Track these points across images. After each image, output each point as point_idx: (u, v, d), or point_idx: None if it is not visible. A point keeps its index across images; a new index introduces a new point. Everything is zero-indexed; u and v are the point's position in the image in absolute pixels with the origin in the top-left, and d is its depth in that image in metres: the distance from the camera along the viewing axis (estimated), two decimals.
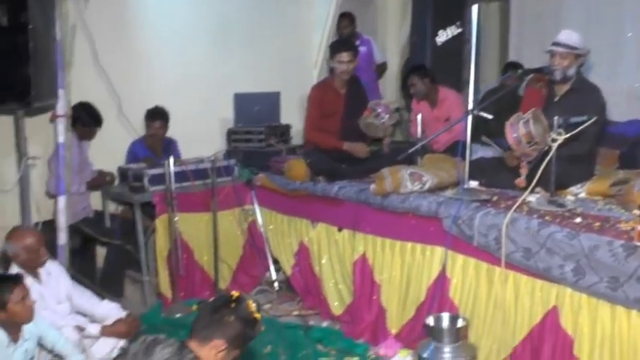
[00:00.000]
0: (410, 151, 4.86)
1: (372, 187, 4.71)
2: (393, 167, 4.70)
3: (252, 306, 2.67)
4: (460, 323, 3.90)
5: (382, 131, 5.44)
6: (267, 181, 5.79)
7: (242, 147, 6.64)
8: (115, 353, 4.34)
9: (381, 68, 8.29)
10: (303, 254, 5.45)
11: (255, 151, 6.54)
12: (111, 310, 4.47)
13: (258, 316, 2.68)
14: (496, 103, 4.70)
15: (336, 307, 5.13)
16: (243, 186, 5.92)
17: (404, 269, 4.53)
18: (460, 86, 7.22)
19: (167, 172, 5.38)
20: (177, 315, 5.41)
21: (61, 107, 5.20)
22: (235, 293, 2.68)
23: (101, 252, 6.17)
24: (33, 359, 3.86)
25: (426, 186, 4.55)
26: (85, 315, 4.43)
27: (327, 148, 5.48)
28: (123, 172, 5.94)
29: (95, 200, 6.12)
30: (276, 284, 5.77)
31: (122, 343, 4.35)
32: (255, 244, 5.92)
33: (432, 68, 6.79)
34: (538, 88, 4.83)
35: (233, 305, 2.62)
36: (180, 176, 5.54)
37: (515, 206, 3.83)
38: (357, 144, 5.46)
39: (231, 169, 6.02)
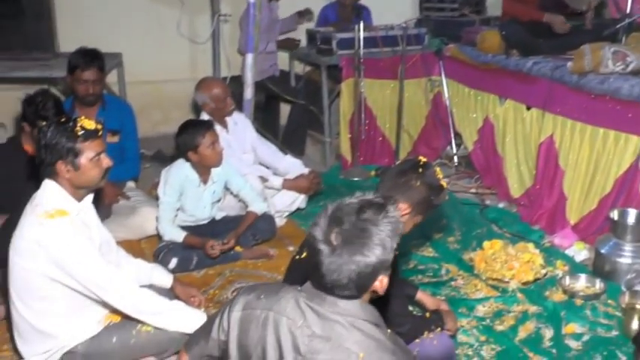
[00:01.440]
0: (616, 26, 4.44)
1: (569, 64, 4.36)
2: (594, 44, 4.31)
3: (440, 173, 2.62)
4: None
5: (586, 3, 4.99)
6: (457, 52, 5.56)
7: (434, 16, 6.39)
8: (295, 207, 4.54)
9: None
10: (486, 131, 5.27)
11: (447, 21, 6.27)
12: (293, 166, 4.63)
13: (444, 183, 2.62)
14: None
15: (515, 189, 4.96)
16: (432, 55, 5.74)
17: (592, 156, 4.22)
18: None
19: (356, 37, 5.33)
20: (355, 178, 5.51)
21: None
22: (423, 158, 2.63)
23: (284, 110, 6.36)
24: (220, 201, 4.12)
25: (630, 67, 4.13)
26: (267, 167, 4.63)
27: (525, 19, 5.12)
28: (312, 35, 5.96)
29: (282, 60, 6.24)
30: (455, 159, 5.68)
31: (302, 198, 4.52)
32: (438, 115, 5.81)
33: None
34: None
35: (420, 170, 2.57)
36: (369, 42, 5.46)
37: None
38: (557, 16, 5.04)
39: (421, 37, 5.84)
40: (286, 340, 1.81)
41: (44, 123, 3.38)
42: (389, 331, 1.84)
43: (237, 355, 1.93)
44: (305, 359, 1.77)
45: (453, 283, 3.84)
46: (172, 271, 3.41)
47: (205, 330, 2.05)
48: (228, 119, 4.39)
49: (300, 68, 6.35)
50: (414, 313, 3.10)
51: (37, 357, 2.91)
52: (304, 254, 2.57)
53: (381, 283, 1.80)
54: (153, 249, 4.04)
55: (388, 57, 5.62)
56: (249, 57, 5.08)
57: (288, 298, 1.86)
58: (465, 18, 6.25)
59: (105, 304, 2.84)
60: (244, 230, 4.01)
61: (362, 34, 5.30)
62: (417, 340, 2.75)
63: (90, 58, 4.28)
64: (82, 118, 2.82)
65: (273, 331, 1.83)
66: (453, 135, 5.69)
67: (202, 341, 2.04)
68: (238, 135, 4.46)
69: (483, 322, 3.43)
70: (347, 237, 1.72)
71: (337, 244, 1.72)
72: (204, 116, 4.26)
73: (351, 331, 1.76)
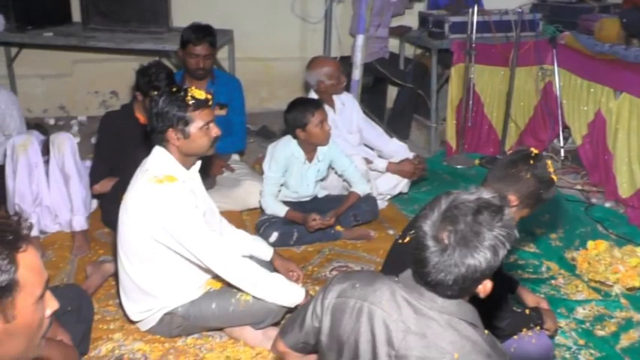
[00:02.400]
0: None
1: None
2: None
3: (551, 166, 2.53)
4: None
5: None
6: (573, 40, 5.34)
7: (550, 1, 6.16)
8: (397, 190, 4.52)
9: None
10: (598, 125, 5.04)
11: (564, 7, 6.00)
12: (398, 149, 4.60)
13: (555, 177, 2.53)
14: None
15: (625, 188, 4.72)
16: (545, 43, 5.54)
17: None
18: None
19: (469, 21, 5.22)
20: (459, 166, 5.43)
21: None
22: (535, 150, 2.55)
23: (392, 93, 6.32)
24: (323, 180, 4.15)
25: None
26: (372, 149, 4.62)
27: None
28: (423, 18, 5.88)
29: (392, 43, 6.19)
30: (562, 153, 5.48)
31: (405, 182, 4.49)
32: (547, 106, 5.61)
33: None
34: None
35: (532, 162, 2.48)
36: (482, 27, 5.33)
37: None
38: None
39: (535, 23, 5.66)
40: (380, 333, 1.78)
41: (156, 92, 3.53)
42: (486, 332, 1.78)
43: (329, 344, 1.92)
44: (398, 354, 1.73)
45: (553, 281, 3.72)
46: (272, 245, 3.46)
47: (300, 316, 2.03)
48: (336, 99, 4.40)
49: (410, 51, 6.28)
50: (514, 308, 3.04)
51: (139, 314, 3.04)
52: (407, 239, 2.58)
53: (484, 287, 1.74)
54: (254, 221, 4.13)
55: (500, 43, 5.47)
56: (360, 38, 5.07)
57: (384, 290, 1.82)
58: (582, 4, 5.98)
59: (206, 270, 2.93)
60: (346, 210, 4.03)
61: (475, 18, 5.19)
62: (515, 337, 2.70)
63: (202, 33, 4.40)
64: (193, 88, 2.90)
65: (367, 322, 1.80)
66: (561, 127, 5.49)
67: (297, 328, 2.03)
68: (345, 115, 4.47)
69: (583, 325, 3.32)
70: (460, 238, 1.66)
71: (449, 244, 1.67)
72: (313, 95, 4.29)
73: (447, 330, 1.72)
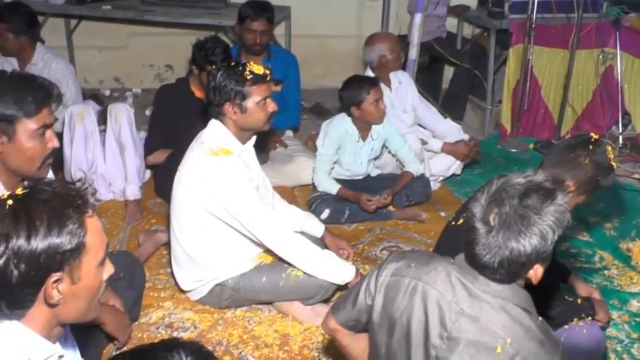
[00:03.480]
0: None
1: None
2: None
3: (611, 153, 2.46)
4: None
5: None
6: (638, 23, 5.17)
7: None
8: (450, 172, 4.46)
9: None
10: None
11: None
12: (452, 130, 4.54)
13: (614, 164, 2.46)
14: None
15: None
16: (608, 25, 5.35)
17: None
18: None
19: (530, 1, 5.09)
20: (513, 150, 5.34)
21: None
22: (595, 135, 2.48)
23: (447, 74, 6.23)
24: (377, 159, 4.12)
25: None
26: (425, 129, 4.57)
27: None
28: None
29: (450, 22, 6.09)
30: (620, 140, 5.33)
31: (458, 164, 4.43)
32: (607, 91, 5.44)
33: None
34: None
35: (591, 147, 2.41)
36: (544, 7, 5.18)
37: None
38: None
39: (599, 4, 5.46)
40: (433, 313, 1.77)
41: (213, 67, 3.54)
42: (540, 319, 1.76)
43: (380, 322, 1.91)
44: (450, 336, 1.73)
45: (606, 272, 3.63)
46: (324, 222, 3.46)
47: (353, 294, 2.03)
48: (392, 78, 4.36)
49: (468, 31, 6.17)
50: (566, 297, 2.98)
51: (190, 284, 3.09)
52: (460, 221, 2.55)
53: (536, 272, 1.71)
54: (306, 198, 4.13)
55: (561, 24, 5.32)
56: (418, 17, 4.99)
57: (440, 270, 1.81)
58: None
59: (258, 244, 2.95)
60: (399, 190, 3.99)
61: None
62: (566, 327, 2.64)
63: (260, 9, 4.41)
64: (252, 63, 2.91)
65: (420, 301, 1.80)
66: (620, 114, 5.33)
67: (349, 305, 2.03)
68: (400, 94, 4.42)
69: (637, 319, 3.24)
70: (504, 221, 1.64)
71: (494, 226, 1.65)
72: (369, 73, 4.25)
73: (500, 314, 1.70)
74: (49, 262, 1.43)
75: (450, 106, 5.83)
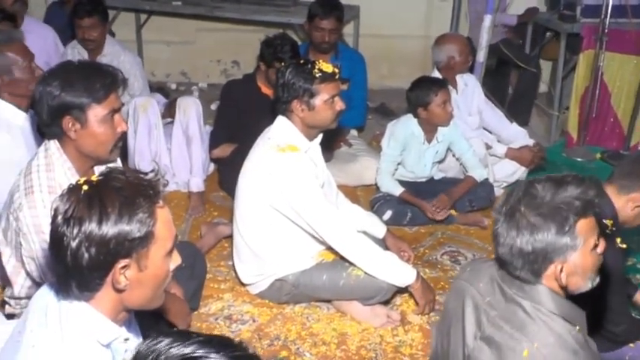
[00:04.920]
0: None
1: None
2: None
3: None
4: None
5: None
6: None
7: None
8: (514, 178, 4.38)
9: None
10: None
11: None
12: (518, 135, 4.46)
13: None
14: None
15: None
16: None
17: None
18: None
19: (604, 4, 4.94)
20: (579, 159, 5.19)
21: None
22: None
23: (515, 77, 6.12)
24: (441, 162, 4.08)
25: None
26: (490, 133, 4.50)
27: None
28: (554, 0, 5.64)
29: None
30: None
31: (522, 170, 4.35)
32: None
33: None
34: None
35: None
36: (618, 11, 5.01)
37: None
38: None
39: None
40: (470, 314, 1.82)
41: (281, 64, 3.57)
42: (577, 327, 1.72)
43: (442, 319, 1.99)
44: (482, 336, 1.76)
45: None
46: (386, 223, 3.44)
47: None
48: (459, 80, 4.31)
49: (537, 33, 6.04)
50: (633, 314, 2.89)
51: (250, 277, 3.12)
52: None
53: (556, 272, 1.69)
54: (368, 198, 4.12)
55: (636, 29, 5.15)
56: (488, 19, 4.92)
57: (485, 274, 1.85)
58: None
59: (320, 241, 2.95)
60: (461, 195, 3.94)
61: (611, 1, 4.91)
62: (631, 345, 2.58)
63: (330, 8, 4.42)
64: (320, 61, 2.92)
65: (464, 302, 1.85)
66: None
67: None
68: (467, 97, 4.37)
69: None
70: (507, 212, 1.70)
71: (503, 217, 1.70)
72: (436, 74, 4.21)
73: (532, 319, 1.70)
74: (118, 248, 1.47)
75: (515, 110, 5.71)
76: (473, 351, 1.78)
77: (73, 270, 1.47)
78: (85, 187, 1.48)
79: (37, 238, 2.25)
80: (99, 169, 2.51)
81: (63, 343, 1.49)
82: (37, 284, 2.39)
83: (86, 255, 1.44)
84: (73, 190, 1.49)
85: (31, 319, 1.57)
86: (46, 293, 1.60)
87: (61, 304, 1.54)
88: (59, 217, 1.47)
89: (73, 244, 1.44)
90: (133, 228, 1.46)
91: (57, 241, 1.47)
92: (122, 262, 1.49)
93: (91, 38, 4.34)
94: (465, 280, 1.89)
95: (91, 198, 1.46)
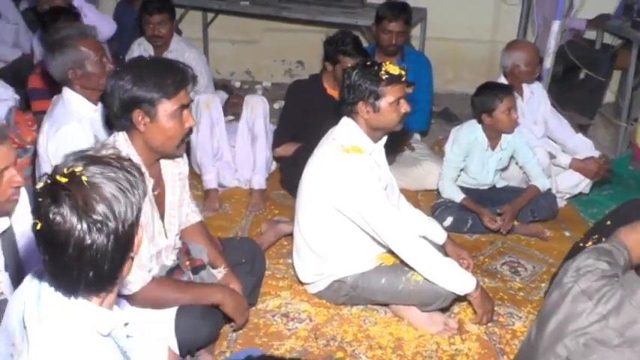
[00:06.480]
0: None
1: None
2: None
3: None
4: None
5: None
6: None
7: None
8: (578, 190, 4.29)
9: None
10: None
11: None
12: (584, 145, 4.35)
13: None
14: None
15: None
16: None
17: None
18: None
19: None
20: None
21: None
22: None
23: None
24: (504, 170, 4.02)
25: None
26: (555, 142, 4.41)
27: None
28: (628, 5, 5.48)
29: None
30: None
31: (587, 182, 4.26)
32: None
33: None
34: None
35: None
36: None
37: None
38: None
39: None
40: (572, 315, 1.77)
41: (345, 57, 3.63)
42: None
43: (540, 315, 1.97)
44: (585, 338, 1.72)
45: None
46: (446, 229, 3.40)
47: None
48: (525, 87, 4.23)
49: (608, 40, 5.88)
50: None
51: (309, 277, 3.13)
52: (589, 243, 2.45)
53: None
54: (429, 203, 4.09)
55: None
56: (556, 24, 4.83)
57: (588, 257, 1.85)
58: None
59: (380, 244, 2.94)
60: (523, 205, 3.86)
61: None
62: None
63: (398, 10, 4.41)
64: (387, 63, 2.91)
65: (569, 303, 1.81)
66: None
67: None
68: (532, 105, 4.29)
69: None
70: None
71: None
72: (502, 80, 4.15)
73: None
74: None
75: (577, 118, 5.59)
76: (573, 354, 1.78)
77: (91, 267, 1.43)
78: (64, 180, 1.42)
79: None
80: (165, 163, 2.57)
81: (64, 340, 1.48)
82: None
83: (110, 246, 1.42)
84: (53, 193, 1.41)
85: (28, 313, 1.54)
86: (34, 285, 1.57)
87: (56, 298, 1.49)
88: (62, 220, 1.39)
89: (97, 237, 1.40)
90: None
91: (74, 240, 1.39)
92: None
93: (160, 34, 4.45)
94: (574, 282, 1.87)
95: (79, 185, 1.41)
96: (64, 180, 1.41)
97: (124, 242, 1.45)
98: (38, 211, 1.40)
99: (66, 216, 1.38)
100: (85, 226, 1.38)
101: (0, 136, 2.09)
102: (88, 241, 1.39)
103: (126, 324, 1.59)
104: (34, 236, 1.43)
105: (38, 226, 1.40)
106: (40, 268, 1.55)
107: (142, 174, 1.51)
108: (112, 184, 1.42)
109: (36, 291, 1.55)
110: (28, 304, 1.54)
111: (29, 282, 1.62)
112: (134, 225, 1.47)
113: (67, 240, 1.38)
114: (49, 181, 1.42)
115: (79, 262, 1.41)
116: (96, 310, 1.51)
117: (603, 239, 2.21)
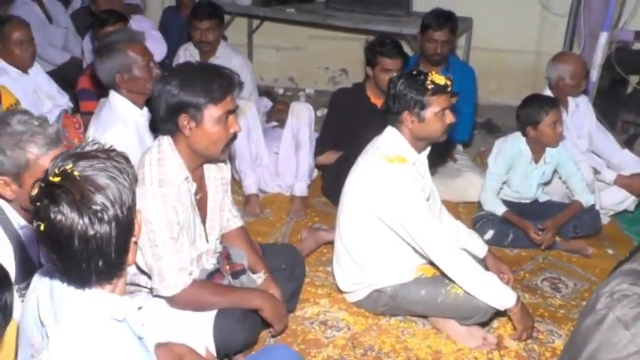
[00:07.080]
0: None
1: None
2: None
3: None
4: None
5: None
6: None
7: None
8: (622, 207, 4.21)
9: None
10: None
11: None
12: (630, 162, 4.28)
13: None
14: None
15: None
16: None
17: None
18: None
19: None
20: None
21: None
22: None
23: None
24: (547, 184, 3.97)
25: None
26: (600, 157, 4.34)
27: None
28: None
29: None
30: None
31: (632, 199, 4.18)
32: None
33: None
34: None
35: None
36: None
37: None
38: None
39: None
40: (608, 344, 1.71)
41: (385, 60, 3.68)
42: None
43: (571, 341, 1.93)
44: (607, 336, 1.69)
45: None
46: (487, 242, 3.37)
47: None
48: (570, 101, 4.18)
49: None
50: None
51: (348, 285, 3.13)
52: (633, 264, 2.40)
53: None
54: (470, 215, 4.06)
55: None
56: (603, 36, 4.75)
57: (622, 281, 1.77)
58: None
59: (421, 255, 2.93)
60: (566, 220, 3.82)
61: None
62: None
63: (444, 19, 4.37)
64: (433, 73, 2.90)
65: (601, 332, 1.74)
66: None
67: None
68: (577, 118, 4.23)
69: None
70: None
71: None
72: (548, 93, 4.11)
73: None
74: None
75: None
76: None
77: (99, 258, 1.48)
78: (57, 179, 1.46)
79: (144, 228, 2.34)
80: (208, 168, 2.60)
81: (81, 330, 1.52)
82: (142, 272, 2.51)
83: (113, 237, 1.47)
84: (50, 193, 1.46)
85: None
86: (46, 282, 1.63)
87: (69, 292, 1.55)
88: (63, 216, 1.43)
89: (99, 228, 1.45)
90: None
91: (78, 234, 1.44)
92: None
93: (208, 40, 4.51)
94: (609, 309, 1.77)
95: (72, 180, 1.46)
96: (57, 179, 1.46)
97: (125, 226, 1.51)
98: (38, 214, 1.45)
99: (66, 212, 1.43)
100: (86, 218, 1.44)
101: (55, 139, 2.19)
102: (92, 232, 1.45)
103: (139, 307, 1.64)
104: (39, 239, 1.49)
105: (42, 228, 1.45)
106: (47, 267, 1.62)
107: (128, 160, 1.57)
108: (103, 173, 1.48)
109: (47, 289, 1.61)
110: (42, 303, 1.60)
111: (38, 282, 1.67)
112: (132, 208, 1.52)
113: (72, 235, 1.44)
114: (42, 185, 1.47)
115: (87, 254, 1.46)
116: (109, 297, 1.57)
117: None
